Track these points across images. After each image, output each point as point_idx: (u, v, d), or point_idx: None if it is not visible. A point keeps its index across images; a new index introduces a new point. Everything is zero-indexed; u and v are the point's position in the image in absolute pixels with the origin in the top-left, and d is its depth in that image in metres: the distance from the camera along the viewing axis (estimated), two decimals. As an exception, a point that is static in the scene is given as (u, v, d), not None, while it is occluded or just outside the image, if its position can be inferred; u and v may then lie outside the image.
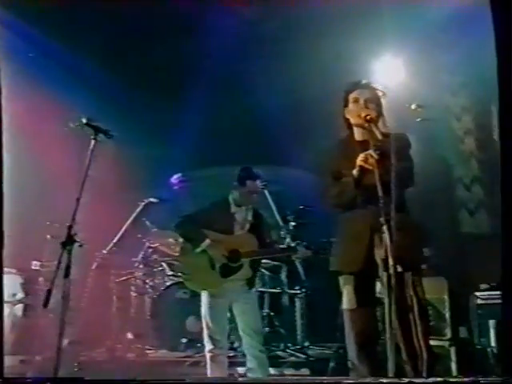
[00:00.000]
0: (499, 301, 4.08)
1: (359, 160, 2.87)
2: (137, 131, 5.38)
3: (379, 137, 2.83)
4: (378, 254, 2.89)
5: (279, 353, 4.40)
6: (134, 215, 5.08)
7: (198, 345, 4.20)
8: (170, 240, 4.89)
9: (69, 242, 2.72)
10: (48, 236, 4.61)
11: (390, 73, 5.40)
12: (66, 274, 2.66)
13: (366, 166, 2.83)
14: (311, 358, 4.30)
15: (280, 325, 4.63)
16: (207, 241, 3.64)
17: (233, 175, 5.22)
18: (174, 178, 6.19)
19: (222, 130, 5.73)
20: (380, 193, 2.65)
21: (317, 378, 2.96)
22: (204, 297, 3.70)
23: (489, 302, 4.11)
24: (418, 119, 5.50)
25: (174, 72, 5.67)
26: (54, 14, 4.82)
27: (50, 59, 5.11)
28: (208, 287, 3.64)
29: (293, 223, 4.70)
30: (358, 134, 3.09)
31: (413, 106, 5.48)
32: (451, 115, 5.68)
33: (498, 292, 4.11)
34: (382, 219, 2.60)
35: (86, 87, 5.19)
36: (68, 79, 5.14)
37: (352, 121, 3.07)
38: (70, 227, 2.74)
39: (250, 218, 3.80)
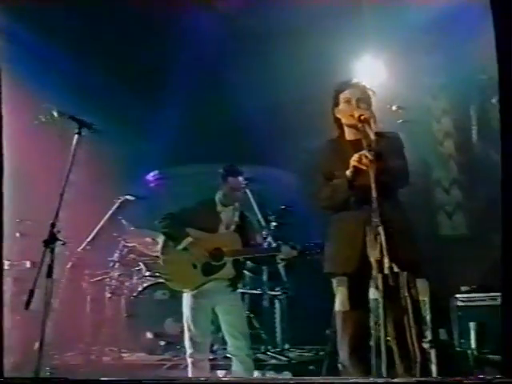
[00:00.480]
0: (479, 303, 4.17)
1: (353, 160, 2.86)
2: (113, 126, 5.27)
3: (372, 137, 2.83)
4: (372, 255, 2.88)
5: (260, 355, 4.37)
6: (109, 213, 4.96)
7: (178, 347, 4.14)
8: (148, 239, 4.81)
9: (52, 240, 2.62)
10: (17, 234, 4.46)
11: (371, 73, 5.45)
12: (49, 274, 2.57)
13: (360, 166, 2.82)
14: (293, 361, 4.29)
15: (260, 327, 4.59)
16: (188, 238, 3.60)
17: (212, 173, 5.20)
18: (151, 176, 6.11)
19: (202, 128, 5.68)
20: (374, 194, 2.64)
21: (315, 378, 2.93)
22: (186, 298, 3.64)
23: (469, 304, 4.17)
24: (399, 121, 5.62)
25: (153, 68, 5.58)
26: (27, 4, 4.69)
27: (26, 52, 4.95)
28: (189, 286, 3.59)
29: (274, 223, 4.69)
30: (349, 134, 3.09)
31: (394, 108, 5.57)
32: (431, 117, 5.77)
33: (479, 294, 4.19)
34: (376, 220, 2.59)
35: (61, 81, 5.05)
36: (43, 72, 5.00)
37: (344, 121, 3.07)
38: (52, 225, 2.66)
39: (236, 218, 3.77)
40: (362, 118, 2.86)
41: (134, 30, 5.26)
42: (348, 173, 2.90)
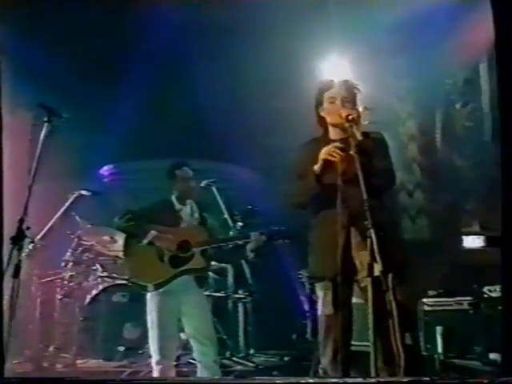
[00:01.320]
0: (446, 307, 4.29)
1: (322, 153, 2.89)
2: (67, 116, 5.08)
3: (359, 137, 2.85)
4: (358, 258, 2.91)
5: (225, 361, 4.31)
6: (63, 209, 4.76)
7: (140, 352, 4.03)
8: (106, 238, 4.64)
9: (20, 237, 2.47)
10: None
11: (337, 72, 5.52)
12: (16, 274, 2.42)
13: (330, 157, 2.84)
14: (260, 367, 4.26)
15: (224, 331, 4.53)
16: (153, 232, 3.53)
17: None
18: (105, 170, 5.92)
19: (162, 122, 5.57)
20: (365, 195, 2.65)
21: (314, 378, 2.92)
22: (150, 299, 3.54)
23: (436, 308, 4.27)
24: (366, 122, 5.73)
25: (111, 58, 5.42)
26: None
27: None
28: (158, 279, 3.49)
29: (240, 223, 4.64)
30: (333, 133, 3.09)
31: (360, 108, 5.68)
32: (397, 120, 5.90)
33: (446, 299, 4.31)
34: (367, 222, 2.61)
35: (15, 69, 4.80)
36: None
37: (329, 120, 3.07)
38: (21, 220, 2.50)
39: (196, 215, 3.73)
40: (350, 117, 2.88)
41: (93, 18, 5.10)
42: (316, 167, 2.91)
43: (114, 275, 4.53)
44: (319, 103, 3.10)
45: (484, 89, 5.35)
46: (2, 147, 2.85)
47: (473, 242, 5.33)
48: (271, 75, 5.31)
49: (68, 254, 4.76)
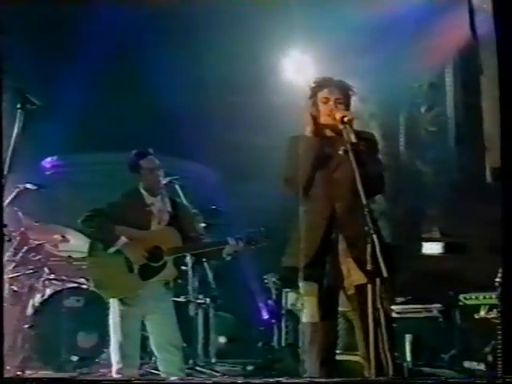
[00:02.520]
0: (415, 315, 4.45)
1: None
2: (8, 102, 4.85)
3: (354, 139, 2.90)
4: (345, 264, 2.97)
5: (187, 371, 4.26)
6: (5, 204, 4.51)
7: (97, 360, 3.92)
8: (56, 236, 4.46)
9: (-3, 235, 2.34)
10: None
11: (299, 70, 5.62)
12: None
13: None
14: (225, 376, 4.25)
15: (184, 339, 4.47)
16: (122, 239, 3.43)
17: (123, 163, 4.99)
18: (47, 162, 5.70)
19: (116, 114, 5.44)
20: (364, 200, 2.70)
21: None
22: (114, 305, 3.47)
23: (404, 315, 4.40)
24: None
25: (61, 42, 5.24)
26: None
27: None
28: (126, 294, 3.43)
29: (203, 224, 4.61)
30: (323, 132, 3.14)
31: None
32: (359, 121, 6.04)
33: (415, 306, 4.47)
34: (368, 227, 2.67)
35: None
36: None
37: (321, 120, 3.12)
38: None
39: (168, 207, 3.66)
40: (346, 119, 2.92)
41: (54, 12, 4.92)
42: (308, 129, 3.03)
43: (64, 278, 4.36)
44: (312, 103, 3.13)
45: (449, 94, 5.60)
46: (3, 144, 2.78)
47: (431, 248, 5.58)
48: (233, 72, 5.33)
49: (9, 253, 4.52)
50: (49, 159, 5.63)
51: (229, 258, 3.58)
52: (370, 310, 2.83)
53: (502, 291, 2.89)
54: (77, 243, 4.52)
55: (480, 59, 4.62)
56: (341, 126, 2.94)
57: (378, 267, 2.70)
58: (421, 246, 5.50)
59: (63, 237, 4.45)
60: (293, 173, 3.08)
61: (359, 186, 2.76)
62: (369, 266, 2.68)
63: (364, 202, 2.72)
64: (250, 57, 5.31)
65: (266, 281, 4.61)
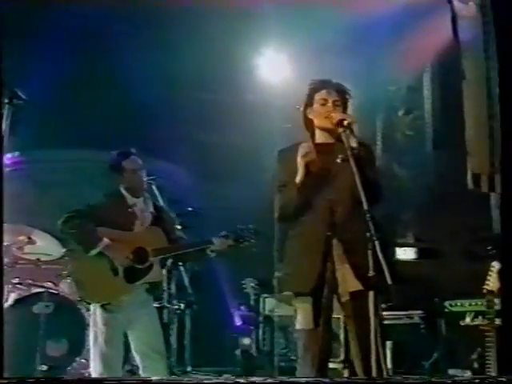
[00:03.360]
0: (395, 321, 4.56)
1: (301, 158, 2.99)
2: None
3: (354, 144, 2.92)
4: (340, 271, 3.02)
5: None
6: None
7: (69, 369, 3.86)
8: (22, 238, 4.36)
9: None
10: None
11: (276, 70, 5.68)
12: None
13: (310, 158, 2.96)
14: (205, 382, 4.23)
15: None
16: (105, 240, 3.41)
17: (91, 161, 4.94)
18: (8, 158, 5.54)
19: (83, 109, 5.36)
20: (365, 206, 2.73)
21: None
22: (96, 313, 3.43)
23: (385, 322, 4.50)
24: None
25: (27, 30, 5.11)
26: None
27: None
28: (112, 298, 3.40)
29: (179, 226, 4.59)
30: (319, 137, 3.14)
31: (302, 108, 5.86)
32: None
33: (396, 312, 4.58)
34: (371, 233, 2.71)
35: None
36: None
37: (317, 122, 3.13)
38: None
39: (151, 208, 3.67)
40: (346, 123, 2.91)
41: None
42: (298, 178, 2.99)
43: (31, 282, 4.26)
44: (308, 104, 3.15)
45: (427, 98, 5.77)
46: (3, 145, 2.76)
47: (404, 253, 5.73)
48: (206, 68, 5.35)
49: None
50: (9, 155, 5.48)
51: (213, 255, 3.55)
52: (371, 318, 2.88)
53: (502, 290, 2.97)
54: (44, 245, 4.44)
55: (462, 64, 4.81)
56: (340, 130, 2.93)
57: (378, 274, 2.76)
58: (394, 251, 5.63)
59: (29, 238, 4.34)
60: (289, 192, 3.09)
61: (360, 192, 2.76)
62: (371, 273, 2.71)
63: (365, 207, 2.73)
64: (224, 55, 5.33)
65: (243, 286, 4.61)
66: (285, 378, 3.04)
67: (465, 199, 5.00)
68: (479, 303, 3.75)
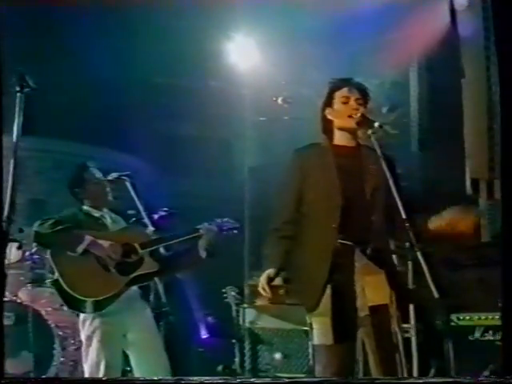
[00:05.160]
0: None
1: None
2: None
3: (378, 150, 2.97)
4: (360, 282, 3.06)
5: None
6: None
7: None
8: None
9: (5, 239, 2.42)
10: None
11: (251, 60, 5.70)
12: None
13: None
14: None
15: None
16: (88, 237, 3.45)
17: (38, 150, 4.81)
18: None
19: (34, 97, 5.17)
20: (403, 215, 2.79)
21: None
22: (89, 325, 3.44)
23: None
24: (286, 117, 5.94)
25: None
26: None
27: None
28: (110, 291, 3.41)
29: (152, 228, 4.51)
30: (339, 139, 3.17)
31: (280, 101, 5.88)
32: (316, 116, 6.19)
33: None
34: (408, 244, 2.78)
35: None
36: None
37: (337, 123, 3.15)
38: (8, 218, 2.34)
39: (122, 222, 3.76)
40: (377, 124, 2.96)
41: None
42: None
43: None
44: (327, 104, 3.16)
45: (413, 95, 5.89)
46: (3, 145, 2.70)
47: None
48: (168, 52, 5.31)
49: None
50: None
51: (205, 256, 3.59)
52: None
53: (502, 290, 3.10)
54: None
55: (462, 62, 4.97)
56: (369, 131, 2.98)
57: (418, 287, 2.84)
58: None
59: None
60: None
61: (397, 199, 2.81)
62: (411, 286, 2.78)
63: (403, 216, 2.79)
64: (189, 37, 5.29)
65: (224, 295, 4.60)
66: (285, 379, 3.02)
67: (452, 204, 5.18)
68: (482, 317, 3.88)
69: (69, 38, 5.23)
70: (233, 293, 4.58)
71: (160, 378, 3.36)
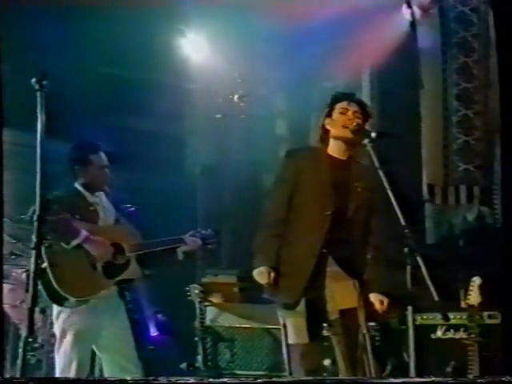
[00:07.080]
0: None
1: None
2: None
3: (376, 162, 3.22)
4: (330, 288, 3.39)
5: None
6: None
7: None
8: None
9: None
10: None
11: (206, 56, 5.93)
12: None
13: None
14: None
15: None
16: (84, 232, 3.57)
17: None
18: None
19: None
20: (402, 221, 3.08)
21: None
22: (66, 319, 3.57)
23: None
24: (242, 116, 6.20)
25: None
26: None
27: None
28: (92, 293, 3.57)
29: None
30: (332, 148, 3.50)
31: (236, 98, 6.13)
32: (273, 115, 6.52)
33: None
34: (408, 249, 3.06)
35: None
36: None
37: (333, 132, 3.49)
38: (40, 218, 2.45)
39: (111, 205, 3.86)
40: (373, 135, 3.27)
41: None
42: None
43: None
44: (328, 115, 3.52)
45: (365, 100, 6.29)
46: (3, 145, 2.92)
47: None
48: (119, 43, 5.43)
49: None
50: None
51: (181, 257, 3.85)
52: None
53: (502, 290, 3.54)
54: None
55: (419, 73, 5.44)
56: (365, 141, 3.27)
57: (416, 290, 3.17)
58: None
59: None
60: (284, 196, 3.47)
61: (395, 207, 3.09)
62: (410, 288, 3.11)
63: (403, 222, 3.08)
64: (140, 29, 5.42)
65: (188, 293, 4.83)
66: (285, 378, 3.38)
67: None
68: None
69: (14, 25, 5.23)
70: (196, 291, 4.77)
71: (132, 378, 3.48)
